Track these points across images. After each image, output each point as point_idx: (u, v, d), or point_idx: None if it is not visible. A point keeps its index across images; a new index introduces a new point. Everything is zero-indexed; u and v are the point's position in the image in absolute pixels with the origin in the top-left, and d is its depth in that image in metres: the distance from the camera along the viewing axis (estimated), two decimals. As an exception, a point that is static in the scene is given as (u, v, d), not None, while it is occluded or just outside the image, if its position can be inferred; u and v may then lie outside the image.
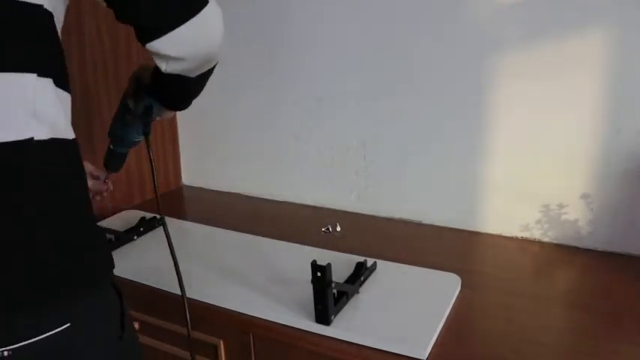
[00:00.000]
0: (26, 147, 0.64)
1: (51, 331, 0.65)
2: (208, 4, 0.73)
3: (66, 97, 0.72)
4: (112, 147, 1.07)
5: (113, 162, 1.09)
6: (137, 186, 1.61)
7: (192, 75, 0.81)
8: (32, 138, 0.64)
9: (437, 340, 0.90)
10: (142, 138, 1.02)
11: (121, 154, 1.08)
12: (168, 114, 0.98)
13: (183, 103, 0.94)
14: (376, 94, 1.39)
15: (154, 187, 0.95)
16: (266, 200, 1.62)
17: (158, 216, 1.40)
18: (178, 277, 0.93)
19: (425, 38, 1.29)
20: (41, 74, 0.66)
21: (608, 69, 1.12)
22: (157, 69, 0.78)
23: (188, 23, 0.71)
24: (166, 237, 0.94)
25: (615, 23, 1.09)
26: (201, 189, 1.75)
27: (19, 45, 0.64)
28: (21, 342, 0.63)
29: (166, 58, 0.74)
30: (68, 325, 0.66)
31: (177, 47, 0.73)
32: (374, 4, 1.33)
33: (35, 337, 0.64)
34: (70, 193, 0.70)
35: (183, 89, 0.87)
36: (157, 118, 0.98)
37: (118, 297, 0.77)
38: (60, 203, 0.68)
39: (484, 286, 1.08)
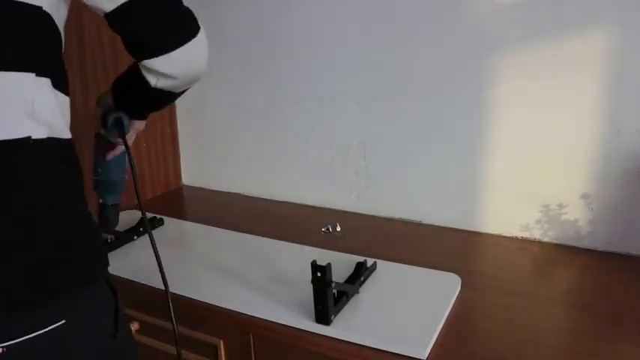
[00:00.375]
0: (23, 146, 0.65)
1: (46, 328, 0.65)
2: (200, 30, 0.79)
3: (64, 100, 0.73)
4: (101, 201, 1.06)
5: (108, 217, 1.07)
6: (137, 186, 1.61)
7: (177, 91, 0.86)
8: (29, 137, 0.65)
9: (437, 340, 0.90)
10: (125, 177, 1.03)
11: (114, 206, 1.07)
12: (139, 125, 1.01)
13: (152, 112, 0.99)
14: (376, 94, 1.39)
15: (137, 197, 0.96)
16: (266, 200, 1.62)
17: (158, 216, 1.41)
18: (161, 273, 0.93)
19: (425, 38, 1.29)
20: (39, 74, 0.67)
21: (608, 69, 1.12)
22: (140, 82, 0.81)
23: (186, 45, 0.76)
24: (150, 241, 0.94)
25: (615, 23, 1.09)
26: (201, 189, 1.75)
27: (17, 45, 0.65)
28: (16, 339, 0.63)
29: (159, 74, 0.78)
30: (63, 322, 0.67)
31: (174, 67, 0.78)
32: (374, 4, 1.33)
33: (31, 333, 0.64)
34: (66, 191, 0.71)
35: (164, 102, 0.91)
36: (131, 132, 1.00)
37: (113, 296, 0.78)
38: (56, 202, 0.69)
39: (484, 286, 1.08)
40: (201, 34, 0.79)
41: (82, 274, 0.71)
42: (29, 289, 0.65)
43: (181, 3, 0.78)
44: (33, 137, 0.65)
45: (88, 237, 0.74)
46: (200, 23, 0.80)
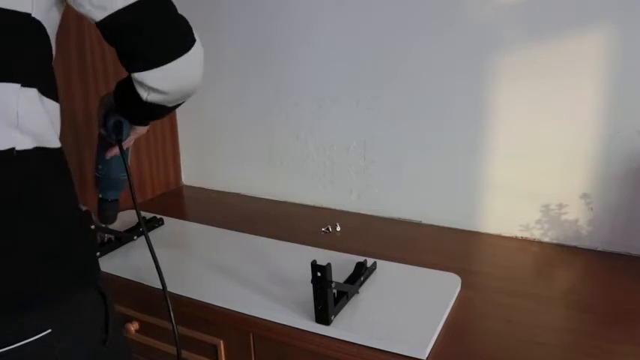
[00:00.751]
0: (6, 157, 0.64)
1: (32, 337, 0.64)
2: (196, 43, 0.76)
3: (53, 107, 0.71)
4: (101, 196, 1.06)
5: (106, 212, 1.09)
6: (137, 186, 1.61)
7: (170, 105, 0.84)
8: (13, 148, 0.64)
9: (437, 340, 0.90)
10: (125, 175, 1.02)
11: (114, 202, 1.07)
12: (140, 130, 1.00)
13: (152, 121, 0.98)
14: (376, 94, 1.39)
15: (134, 201, 0.97)
16: (266, 200, 1.62)
17: (158, 216, 1.41)
18: (159, 273, 0.95)
19: (425, 38, 1.29)
20: (25, 84, 0.65)
21: (608, 69, 1.12)
22: (133, 95, 0.79)
23: (178, 60, 0.73)
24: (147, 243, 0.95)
25: (615, 23, 1.09)
26: (201, 189, 1.75)
27: (2, 54, 0.63)
28: (2, 348, 0.62)
29: (150, 88, 0.76)
30: (49, 331, 0.65)
31: (165, 81, 0.75)
32: (374, 5, 1.33)
33: (16, 343, 0.63)
34: (55, 199, 0.69)
35: (157, 115, 0.90)
36: (131, 136, 1.00)
37: (104, 301, 0.76)
38: (44, 210, 0.67)
39: (484, 286, 1.08)
40: (196, 48, 0.76)
41: (69, 282, 0.70)
42: (14, 297, 0.64)
43: (175, 14, 0.75)
44: (17, 148, 0.64)
45: (77, 244, 0.72)
46: (196, 35, 0.77)
